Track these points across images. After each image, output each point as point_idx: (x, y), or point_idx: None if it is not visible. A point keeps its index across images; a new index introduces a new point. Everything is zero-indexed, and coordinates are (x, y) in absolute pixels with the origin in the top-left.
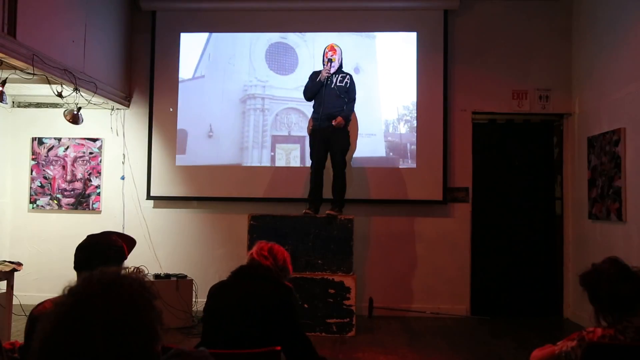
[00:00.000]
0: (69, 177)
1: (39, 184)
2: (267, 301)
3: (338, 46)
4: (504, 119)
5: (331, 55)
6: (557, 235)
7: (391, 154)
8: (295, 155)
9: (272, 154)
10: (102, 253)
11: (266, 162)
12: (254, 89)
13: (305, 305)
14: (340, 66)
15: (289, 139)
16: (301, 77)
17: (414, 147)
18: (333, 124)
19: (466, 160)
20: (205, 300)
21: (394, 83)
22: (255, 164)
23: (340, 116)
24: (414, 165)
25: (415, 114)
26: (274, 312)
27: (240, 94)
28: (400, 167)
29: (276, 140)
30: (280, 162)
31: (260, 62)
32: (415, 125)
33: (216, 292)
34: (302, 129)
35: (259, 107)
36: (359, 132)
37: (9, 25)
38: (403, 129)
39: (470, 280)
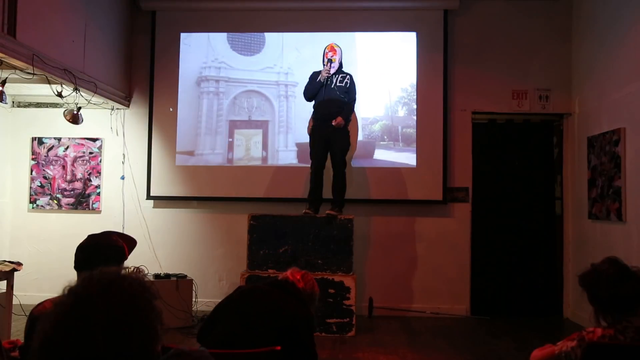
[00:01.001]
0: (68, 177)
1: (39, 184)
2: (289, 316)
3: (338, 46)
4: (504, 119)
5: (331, 56)
6: (557, 235)
7: (385, 137)
8: (256, 142)
9: (230, 140)
10: (102, 253)
11: (220, 150)
12: (208, 71)
13: None
14: (340, 66)
15: (249, 124)
16: (268, 58)
17: (407, 130)
18: (333, 124)
19: (466, 160)
20: (205, 299)
21: (394, 82)
22: (208, 151)
23: (340, 116)
24: (404, 149)
25: (414, 106)
26: (291, 328)
27: (196, 76)
28: (383, 149)
29: (235, 125)
30: (239, 149)
31: (221, 41)
32: (408, 111)
33: (244, 291)
34: (264, 113)
35: (213, 91)
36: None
37: (9, 25)
38: (400, 112)
39: (470, 280)
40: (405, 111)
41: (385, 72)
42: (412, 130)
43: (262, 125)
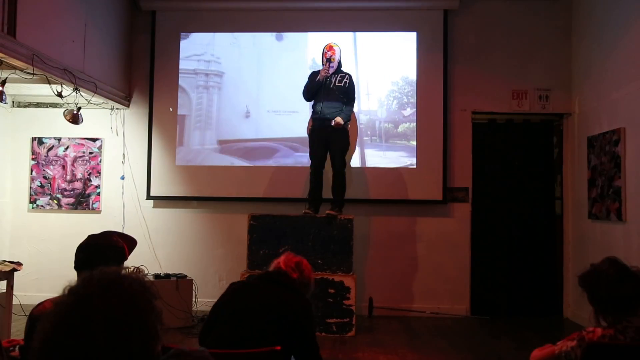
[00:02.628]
0: (68, 177)
1: (39, 184)
2: (287, 309)
3: (337, 45)
4: (504, 119)
5: (330, 55)
6: (557, 235)
7: (368, 131)
8: None
9: None
10: (102, 253)
11: None
12: None
13: None
14: (340, 65)
15: None
16: (196, 44)
17: (387, 125)
18: (332, 124)
19: (466, 160)
20: (205, 299)
21: (393, 83)
22: None
23: (340, 116)
24: (385, 145)
25: (404, 100)
26: (292, 321)
27: None
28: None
29: None
30: None
31: None
32: (397, 107)
33: (238, 289)
34: (180, 106)
35: None
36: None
37: (9, 25)
38: (391, 108)
39: (470, 280)
40: (394, 107)
41: (385, 72)
42: (391, 126)
43: (180, 120)
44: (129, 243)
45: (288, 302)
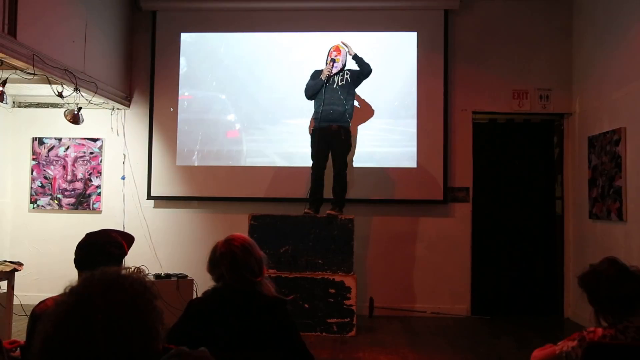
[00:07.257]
0: (69, 177)
1: (40, 184)
2: (264, 323)
3: (344, 48)
4: (504, 118)
5: (335, 55)
6: (557, 235)
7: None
8: None
9: None
10: (101, 249)
11: None
12: None
13: (306, 305)
14: (344, 67)
15: None
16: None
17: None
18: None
19: (466, 160)
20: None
21: (393, 83)
22: None
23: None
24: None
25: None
26: (272, 330)
27: None
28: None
29: None
30: None
31: None
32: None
33: (205, 322)
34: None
35: None
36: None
37: (10, 25)
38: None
39: (471, 280)
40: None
41: (385, 72)
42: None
43: None
44: (127, 239)
45: (261, 319)
